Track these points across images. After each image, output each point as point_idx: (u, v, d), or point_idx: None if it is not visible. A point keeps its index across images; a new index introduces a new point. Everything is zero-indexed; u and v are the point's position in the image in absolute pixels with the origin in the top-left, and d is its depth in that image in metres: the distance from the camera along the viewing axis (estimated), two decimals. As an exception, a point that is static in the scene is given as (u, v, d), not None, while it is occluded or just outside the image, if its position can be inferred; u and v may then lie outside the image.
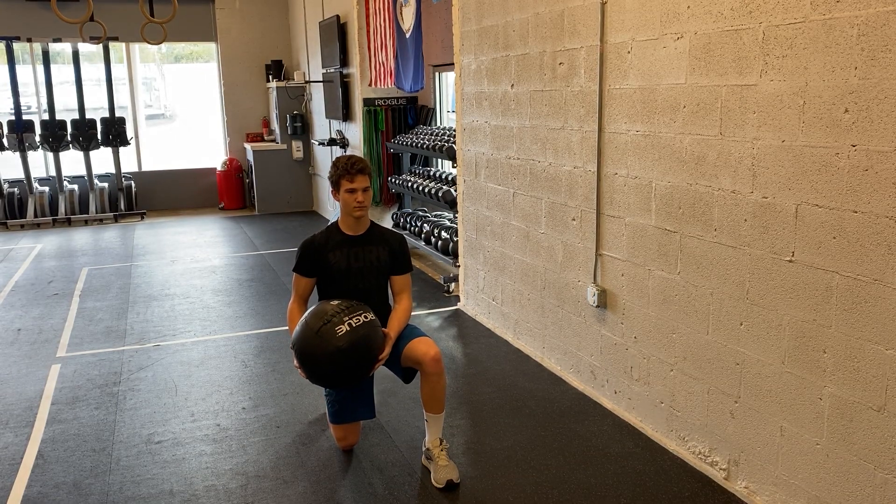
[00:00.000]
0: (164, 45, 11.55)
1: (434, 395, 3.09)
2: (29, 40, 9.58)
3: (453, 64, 5.29)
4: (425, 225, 6.38)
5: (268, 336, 5.00)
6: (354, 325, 2.93)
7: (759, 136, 2.65)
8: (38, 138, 9.56)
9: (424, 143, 6.43)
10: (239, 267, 7.09)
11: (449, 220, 6.36)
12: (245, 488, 3.08)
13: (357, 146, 7.91)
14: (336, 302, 3.03)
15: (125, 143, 9.87)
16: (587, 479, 3.08)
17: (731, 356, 2.90)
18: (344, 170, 3.12)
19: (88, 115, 9.80)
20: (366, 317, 2.99)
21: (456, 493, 3.00)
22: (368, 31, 7.40)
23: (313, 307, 3.08)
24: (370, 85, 7.53)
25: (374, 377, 3.32)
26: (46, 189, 9.76)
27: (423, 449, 3.20)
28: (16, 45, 9.55)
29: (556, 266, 4.12)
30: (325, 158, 9.42)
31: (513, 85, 4.41)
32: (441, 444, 3.12)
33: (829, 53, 2.36)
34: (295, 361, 3.05)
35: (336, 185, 3.16)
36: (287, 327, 3.33)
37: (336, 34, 7.97)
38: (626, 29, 3.33)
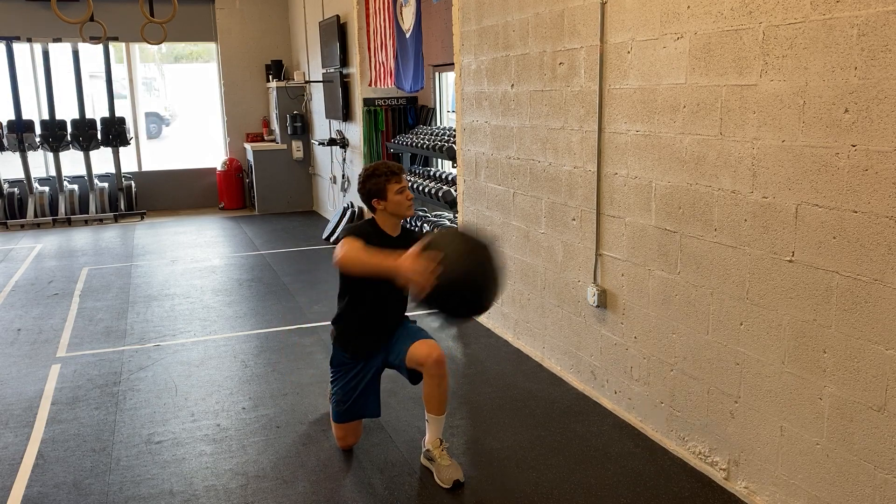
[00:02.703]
0: (164, 45, 11.55)
1: (436, 396, 3.09)
2: (29, 40, 9.58)
3: (453, 64, 5.29)
4: (425, 225, 6.38)
5: (268, 336, 5.00)
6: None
7: (759, 136, 2.65)
8: (38, 138, 9.56)
9: (424, 143, 6.43)
10: (239, 267, 7.09)
11: (449, 220, 6.36)
12: (245, 488, 3.08)
13: (357, 146, 7.91)
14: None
15: (125, 143, 9.87)
16: (587, 479, 3.08)
17: (731, 356, 2.90)
18: (388, 173, 3.09)
19: (88, 115, 9.80)
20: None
21: (456, 493, 3.00)
22: (368, 31, 7.40)
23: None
24: (370, 85, 7.53)
25: (381, 375, 3.32)
26: (46, 189, 9.76)
27: (423, 449, 3.20)
28: (16, 45, 9.55)
29: (556, 266, 4.12)
30: (325, 158, 9.42)
31: (513, 85, 4.41)
32: (441, 444, 3.12)
33: (829, 53, 2.36)
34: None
35: (382, 193, 3.09)
36: (356, 258, 2.84)
37: (336, 34, 7.97)
38: (626, 29, 3.33)
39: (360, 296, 3.20)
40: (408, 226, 6.68)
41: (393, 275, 2.63)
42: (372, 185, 3.12)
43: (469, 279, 2.59)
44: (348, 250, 2.83)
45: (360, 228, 3.16)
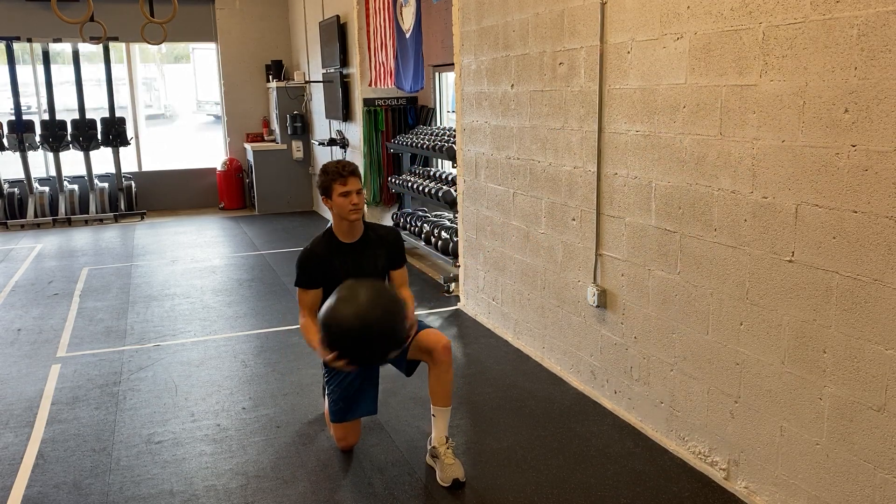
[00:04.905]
0: (163, 45, 11.54)
1: (442, 386, 3.10)
2: (29, 40, 9.58)
3: (453, 64, 5.29)
4: (425, 225, 6.38)
5: (268, 336, 5.00)
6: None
7: (759, 136, 2.65)
8: (38, 138, 9.56)
9: (424, 143, 6.44)
10: (239, 267, 7.09)
11: (449, 220, 6.36)
12: (245, 488, 3.08)
13: (357, 146, 7.92)
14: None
15: (125, 143, 9.87)
16: (587, 479, 3.08)
17: (731, 356, 2.90)
18: (335, 173, 3.10)
19: (88, 115, 9.80)
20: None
21: (456, 493, 3.00)
22: (368, 31, 7.40)
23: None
24: (370, 85, 7.53)
25: (379, 370, 3.32)
26: (46, 189, 9.76)
27: (429, 447, 3.20)
28: (16, 45, 9.55)
29: (556, 266, 4.12)
30: (325, 158, 9.42)
31: (513, 85, 4.41)
32: (447, 441, 3.12)
33: (829, 53, 2.36)
34: (328, 354, 2.86)
35: (328, 191, 3.12)
36: (305, 338, 3.23)
37: (336, 34, 7.98)
38: (626, 29, 3.33)
39: None
40: (406, 224, 6.69)
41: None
42: (320, 182, 3.15)
43: (363, 341, 2.82)
44: (301, 329, 3.23)
45: (310, 256, 3.20)
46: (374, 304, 2.80)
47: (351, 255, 3.21)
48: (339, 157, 8.67)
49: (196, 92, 10.90)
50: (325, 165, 3.17)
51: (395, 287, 3.30)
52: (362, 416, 3.34)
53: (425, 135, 6.75)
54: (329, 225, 3.27)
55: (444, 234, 6.02)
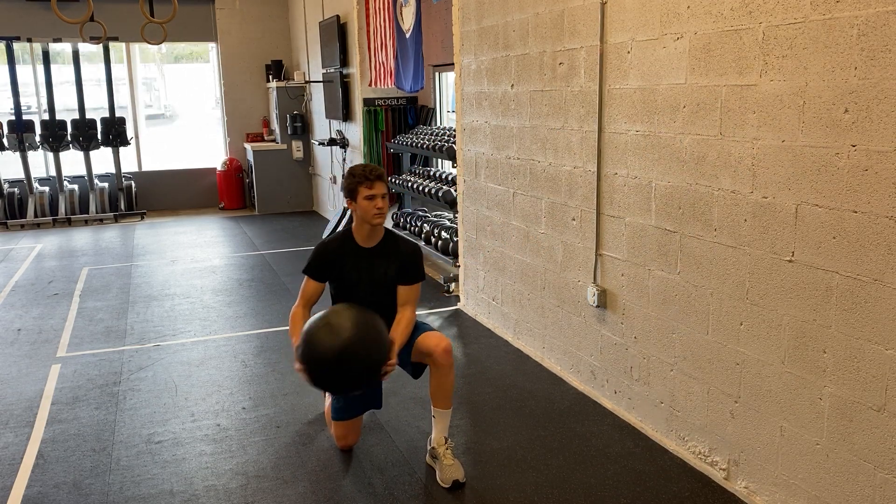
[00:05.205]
0: (163, 45, 11.54)
1: (442, 388, 3.09)
2: (29, 40, 9.58)
3: (453, 64, 5.29)
4: (425, 225, 6.38)
5: (268, 336, 5.00)
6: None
7: (759, 136, 2.65)
8: (38, 138, 9.56)
9: (424, 143, 6.43)
10: (239, 267, 7.09)
11: (449, 220, 6.36)
12: (245, 488, 3.08)
13: (357, 146, 7.92)
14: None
15: (125, 143, 9.87)
16: (587, 479, 3.08)
17: (731, 356, 2.90)
18: (362, 176, 3.10)
19: (88, 115, 9.80)
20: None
21: (456, 493, 3.00)
22: (368, 31, 7.40)
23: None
24: (370, 85, 7.53)
25: None
26: (46, 189, 9.76)
27: (429, 448, 3.20)
28: (16, 45, 9.55)
29: (556, 266, 4.12)
30: (325, 158, 9.42)
31: (513, 85, 4.41)
32: (446, 442, 3.12)
33: (829, 53, 2.36)
34: (297, 364, 2.94)
35: (353, 194, 3.11)
36: (288, 328, 3.31)
37: (336, 34, 7.98)
38: (626, 29, 3.33)
39: (346, 297, 3.22)
40: (406, 224, 6.69)
41: None
42: (346, 184, 3.16)
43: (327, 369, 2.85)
44: (291, 316, 3.26)
45: (325, 250, 3.24)
46: (355, 345, 2.79)
47: (365, 260, 3.20)
48: (340, 157, 8.67)
49: (215, 89, 11.16)
50: (352, 168, 3.17)
51: (399, 303, 3.22)
52: (366, 411, 3.34)
53: (425, 135, 6.75)
54: (350, 224, 3.28)
55: (444, 234, 6.02)
